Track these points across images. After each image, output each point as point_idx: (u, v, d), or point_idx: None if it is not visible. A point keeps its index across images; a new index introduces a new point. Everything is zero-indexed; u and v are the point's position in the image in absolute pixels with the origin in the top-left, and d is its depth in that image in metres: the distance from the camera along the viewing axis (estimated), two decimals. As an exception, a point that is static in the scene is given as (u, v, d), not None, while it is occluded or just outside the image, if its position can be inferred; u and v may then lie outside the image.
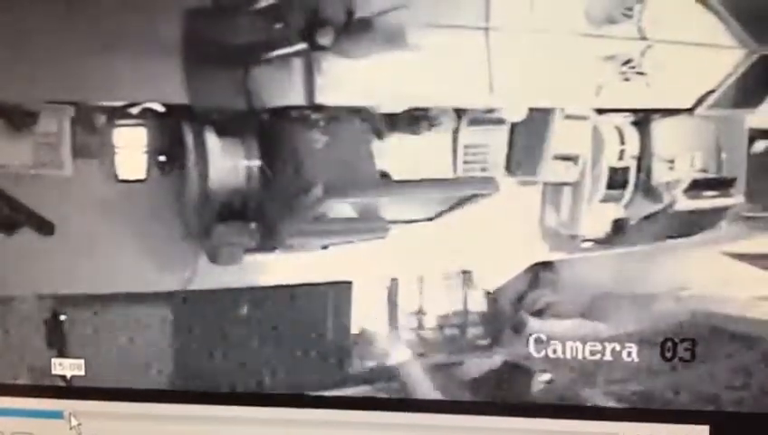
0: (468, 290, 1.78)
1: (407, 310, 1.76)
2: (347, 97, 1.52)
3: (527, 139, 1.68)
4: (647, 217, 1.73)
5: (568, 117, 1.66)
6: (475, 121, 1.66)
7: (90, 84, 1.49)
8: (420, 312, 1.78)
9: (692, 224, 1.74)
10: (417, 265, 1.72)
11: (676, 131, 1.73)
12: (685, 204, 1.71)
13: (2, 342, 1.56)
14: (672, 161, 1.72)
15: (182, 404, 1.54)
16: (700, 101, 1.71)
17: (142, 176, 1.57)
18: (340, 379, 1.64)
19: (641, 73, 1.64)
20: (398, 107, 1.58)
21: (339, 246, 1.59)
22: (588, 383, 1.52)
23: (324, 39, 1.44)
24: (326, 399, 1.54)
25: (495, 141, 1.68)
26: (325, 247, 1.60)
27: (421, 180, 1.60)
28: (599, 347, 1.51)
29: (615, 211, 1.75)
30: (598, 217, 1.74)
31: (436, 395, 1.58)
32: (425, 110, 1.61)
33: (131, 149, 1.57)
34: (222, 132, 1.55)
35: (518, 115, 1.63)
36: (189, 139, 1.54)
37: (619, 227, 1.74)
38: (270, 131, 1.55)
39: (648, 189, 1.72)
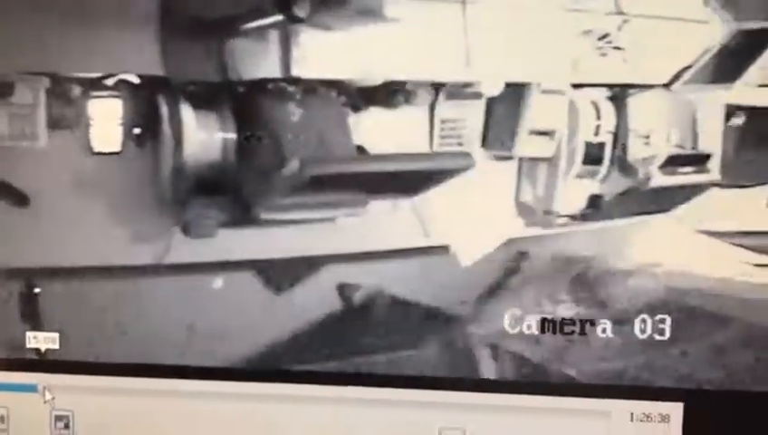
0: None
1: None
2: (323, 70, 1.52)
3: (503, 113, 1.67)
4: (622, 193, 1.73)
5: (544, 92, 1.66)
6: (451, 96, 1.66)
7: (65, 55, 1.49)
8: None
9: (668, 200, 1.74)
10: (393, 241, 1.71)
11: (652, 107, 1.72)
12: (660, 180, 1.71)
13: (-26, 315, 1.56)
14: (648, 137, 1.72)
15: (157, 378, 1.54)
16: (677, 77, 1.71)
17: (117, 148, 1.57)
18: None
19: (618, 48, 1.64)
20: (374, 80, 1.57)
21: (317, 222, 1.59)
22: (561, 360, 1.52)
23: (301, 11, 1.44)
24: (300, 373, 1.55)
25: (472, 116, 1.68)
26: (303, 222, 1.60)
27: (398, 154, 1.60)
28: (575, 326, 1.52)
29: (591, 187, 1.74)
30: (573, 192, 1.74)
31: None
32: (402, 83, 1.60)
33: (106, 120, 1.56)
34: (197, 105, 1.55)
35: (495, 90, 1.63)
36: (164, 111, 1.54)
37: (594, 202, 1.74)
38: (245, 104, 1.55)
39: (623, 165, 1.71)
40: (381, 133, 1.63)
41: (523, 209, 1.77)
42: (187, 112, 1.54)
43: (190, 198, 1.55)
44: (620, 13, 1.63)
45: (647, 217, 1.74)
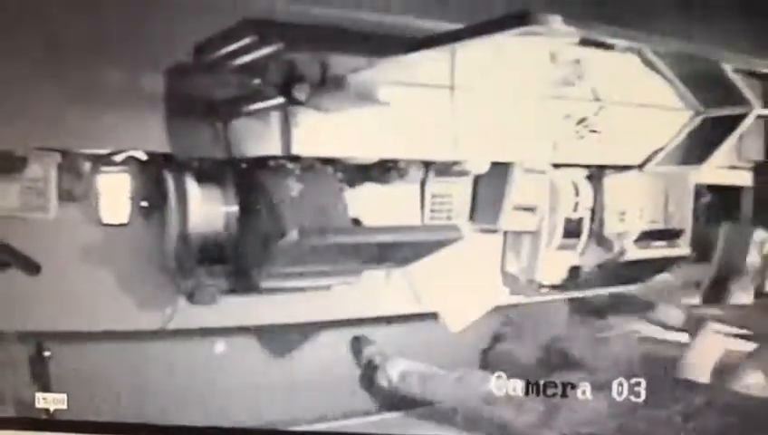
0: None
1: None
2: (321, 148, 1.57)
3: (489, 190, 1.76)
4: (600, 265, 1.83)
5: (527, 171, 1.75)
6: (441, 173, 1.73)
7: (76, 133, 1.53)
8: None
9: (641, 272, 1.82)
10: (385, 308, 1.78)
11: (626, 186, 1.82)
12: (635, 253, 1.81)
13: (-13, 376, 1.59)
14: (623, 213, 1.81)
15: (161, 438, 1.58)
16: (649, 159, 1.81)
17: (125, 220, 1.62)
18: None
19: (595, 132, 1.73)
20: (369, 158, 1.64)
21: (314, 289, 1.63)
22: (545, 423, 1.59)
23: (300, 94, 1.47)
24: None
25: (460, 192, 1.77)
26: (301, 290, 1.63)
27: (391, 227, 1.64)
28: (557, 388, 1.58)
29: (571, 258, 1.83)
30: (555, 263, 1.82)
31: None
32: (394, 161, 1.66)
33: (115, 194, 1.61)
34: (202, 180, 1.60)
35: (481, 168, 1.72)
36: (170, 185, 1.59)
37: (574, 273, 1.83)
38: (248, 179, 1.60)
39: (600, 239, 1.81)
40: (375, 207, 1.70)
41: (509, 279, 1.86)
42: (191, 187, 1.58)
43: (194, 267, 1.59)
44: (597, 99, 1.72)
45: (622, 286, 1.83)
